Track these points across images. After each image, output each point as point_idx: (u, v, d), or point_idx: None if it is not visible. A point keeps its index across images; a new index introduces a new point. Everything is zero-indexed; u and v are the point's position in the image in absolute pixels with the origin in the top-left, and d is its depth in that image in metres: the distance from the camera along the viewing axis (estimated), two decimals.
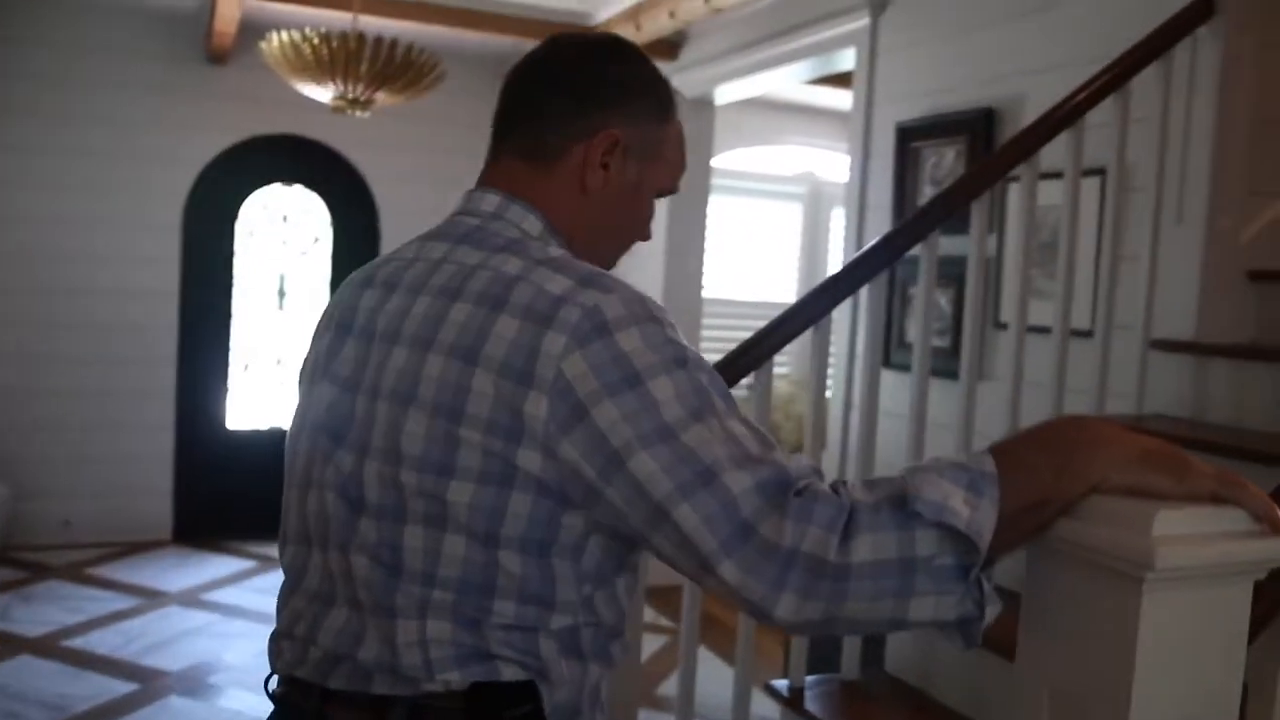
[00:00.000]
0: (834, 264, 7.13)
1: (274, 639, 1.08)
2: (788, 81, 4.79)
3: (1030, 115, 2.77)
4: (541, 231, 1.07)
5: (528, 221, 1.07)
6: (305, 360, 1.14)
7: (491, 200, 1.08)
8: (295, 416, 1.10)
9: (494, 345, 0.92)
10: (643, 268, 5.24)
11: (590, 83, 1.08)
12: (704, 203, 5.34)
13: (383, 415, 0.97)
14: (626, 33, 4.71)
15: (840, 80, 4.37)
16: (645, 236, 1.17)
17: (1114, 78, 2.37)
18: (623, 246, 1.17)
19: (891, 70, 3.74)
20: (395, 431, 0.95)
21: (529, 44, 1.32)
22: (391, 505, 0.95)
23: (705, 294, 5.52)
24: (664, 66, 5.23)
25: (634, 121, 1.09)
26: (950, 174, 3.44)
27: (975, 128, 3.33)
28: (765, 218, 7.13)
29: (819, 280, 2.99)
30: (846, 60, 4.00)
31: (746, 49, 4.55)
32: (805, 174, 7.20)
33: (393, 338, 1.00)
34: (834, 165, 7.29)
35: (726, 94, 5.06)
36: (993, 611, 0.87)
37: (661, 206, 1.33)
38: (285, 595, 1.08)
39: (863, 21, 3.80)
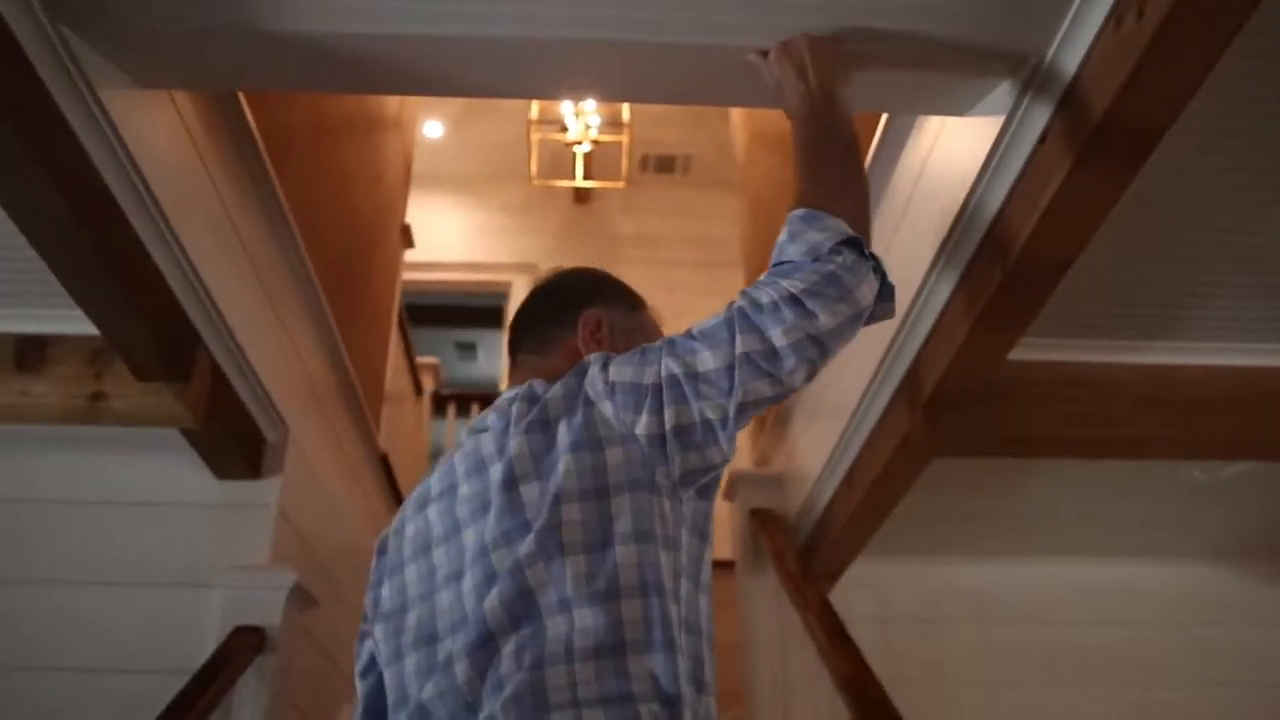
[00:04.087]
0: None
1: None
2: None
3: None
4: None
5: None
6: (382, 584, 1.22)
7: (509, 395, 1.20)
8: (393, 604, 1.17)
9: (553, 405, 1.12)
10: None
11: (570, 289, 1.34)
12: None
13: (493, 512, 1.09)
14: None
15: None
16: None
17: None
18: None
19: None
20: (510, 513, 1.07)
21: None
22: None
23: None
24: None
25: (609, 306, 1.31)
26: None
27: None
28: None
29: None
30: None
31: None
32: None
33: (480, 478, 1.13)
34: None
35: None
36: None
37: None
38: None
39: None
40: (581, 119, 5.43)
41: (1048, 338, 2.26)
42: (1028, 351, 2.20)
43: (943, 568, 3.56)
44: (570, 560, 1.02)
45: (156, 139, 1.92)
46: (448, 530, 1.13)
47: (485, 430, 1.16)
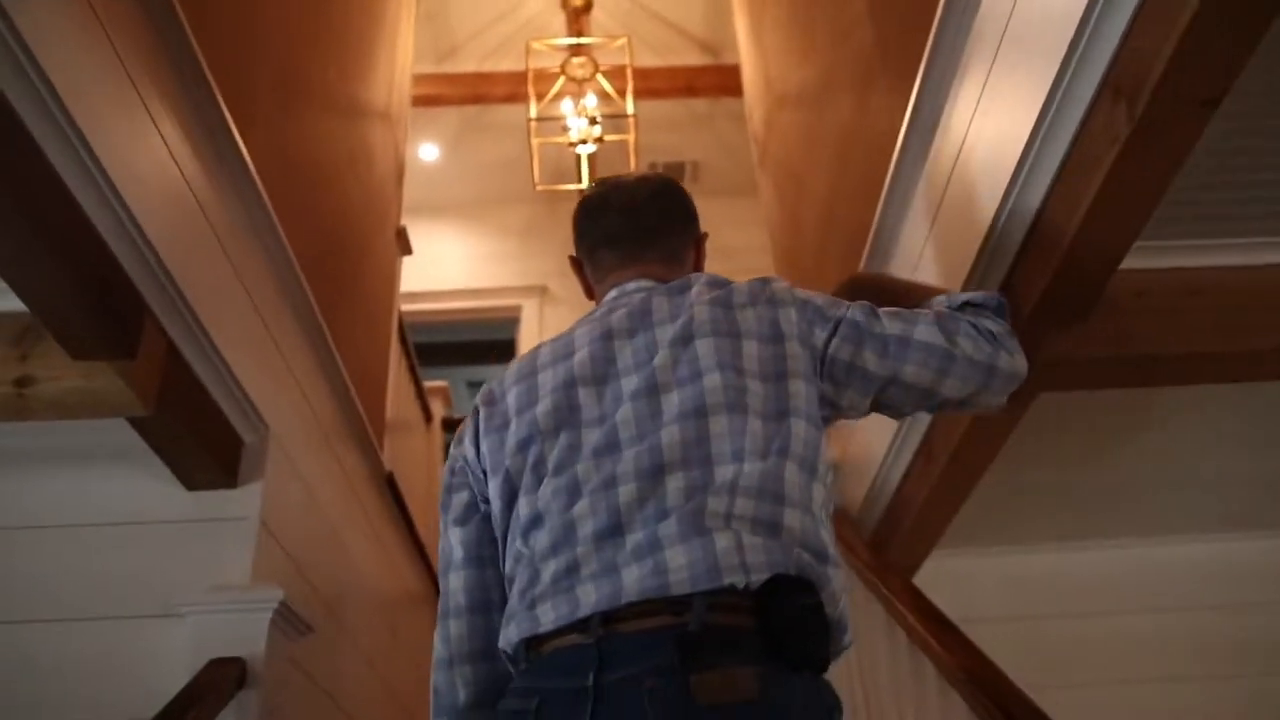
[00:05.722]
0: None
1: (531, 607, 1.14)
2: None
3: None
4: None
5: None
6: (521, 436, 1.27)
7: (645, 284, 1.40)
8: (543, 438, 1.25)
9: (739, 294, 1.29)
10: None
11: (689, 205, 1.53)
12: None
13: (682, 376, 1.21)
14: None
15: None
16: None
17: None
18: None
19: None
20: (698, 376, 1.20)
21: None
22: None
23: None
24: None
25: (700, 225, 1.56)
26: None
27: None
28: None
29: None
30: None
31: None
32: None
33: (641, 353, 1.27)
34: None
35: None
36: None
37: None
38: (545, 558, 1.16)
39: None
40: (582, 115, 5.11)
41: (1163, 240, 1.87)
42: (1140, 258, 1.81)
43: (1028, 557, 3.14)
44: (751, 419, 1.16)
45: (75, 54, 1.57)
46: (599, 375, 1.25)
47: (642, 293, 1.35)
